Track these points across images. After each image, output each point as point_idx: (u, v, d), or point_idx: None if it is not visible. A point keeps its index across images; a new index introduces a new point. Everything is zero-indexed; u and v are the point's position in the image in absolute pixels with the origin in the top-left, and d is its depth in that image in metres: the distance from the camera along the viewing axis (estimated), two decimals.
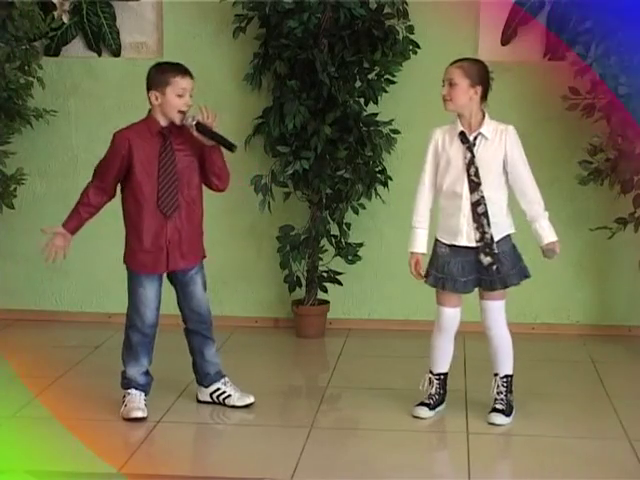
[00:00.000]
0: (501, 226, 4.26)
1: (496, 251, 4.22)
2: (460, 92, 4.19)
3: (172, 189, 4.27)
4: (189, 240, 4.36)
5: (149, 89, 4.26)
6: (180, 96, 4.22)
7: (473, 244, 4.24)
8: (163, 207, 4.26)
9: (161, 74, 4.24)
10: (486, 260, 4.23)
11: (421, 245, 4.34)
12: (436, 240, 4.35)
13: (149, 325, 4.36)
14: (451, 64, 4.26)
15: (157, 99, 4.23)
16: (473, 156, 4.20)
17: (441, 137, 4.28)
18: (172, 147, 4.27)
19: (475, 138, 4.22)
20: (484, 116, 4.24)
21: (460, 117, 4.24)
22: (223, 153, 4.34)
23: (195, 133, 4.26)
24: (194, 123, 4.23)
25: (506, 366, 4.35)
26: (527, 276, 4.34)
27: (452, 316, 4.35)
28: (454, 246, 4.28)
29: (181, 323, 4.51)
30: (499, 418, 4.31)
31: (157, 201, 4.25)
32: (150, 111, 4.30)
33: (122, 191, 4.34)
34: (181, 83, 4.22)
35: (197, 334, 4.48)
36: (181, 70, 4.26)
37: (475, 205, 4.21)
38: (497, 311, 4.32)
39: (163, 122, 4.27)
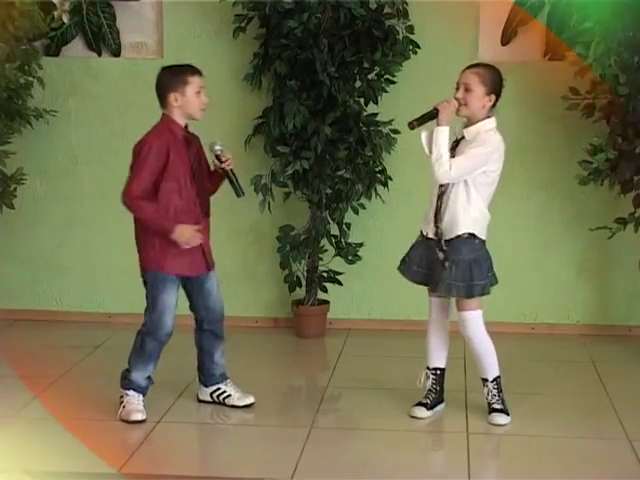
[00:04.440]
0: (457, 224, 4.22)
1: (444, 248, 4.23)
2: (475, 99, 4.21)
3: (204, 190, 4.35)
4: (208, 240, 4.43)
5: (167, 92, 4.24)
6: (198, 93, 4.26)
7: (433, 237, 4.29)
8: (203, 208, 4.33)
9: (177, 75, 4.26)
10: (440, 255, 4.25)
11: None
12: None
13: (167, 334, 4.34)
14: (467, 68, 4.27)
15: (177, 100, 4.24)
16: (452, 156, 4.21)
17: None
18: (197, 149, 4.34)
19: (461, 139, 4.27)
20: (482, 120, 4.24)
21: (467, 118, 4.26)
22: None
23: (216, 162, 4.35)
24: (219, 152, 4.31)
25: (493, 370, 4.35)
26: (472, 295, 4.24)
27: (435, 304, 4.37)
28: (425, 236, 4.33)
29: (191, 324, 4.50)
30: (501, 418, 4.31)
31: (199, 202, 4.30)
32: (164, 115, 4.29)
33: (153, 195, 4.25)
34: (198, 81, 4.27)
35: (211, 334, 4.47)
36: (195, 69, 4.31)
37: (439, 198, 4.25)
38: (473, 321, 4.30)
39: (182, 123, 4.30)
